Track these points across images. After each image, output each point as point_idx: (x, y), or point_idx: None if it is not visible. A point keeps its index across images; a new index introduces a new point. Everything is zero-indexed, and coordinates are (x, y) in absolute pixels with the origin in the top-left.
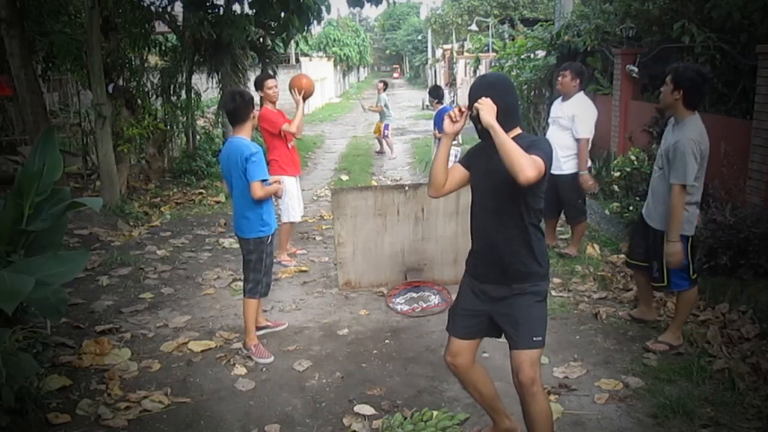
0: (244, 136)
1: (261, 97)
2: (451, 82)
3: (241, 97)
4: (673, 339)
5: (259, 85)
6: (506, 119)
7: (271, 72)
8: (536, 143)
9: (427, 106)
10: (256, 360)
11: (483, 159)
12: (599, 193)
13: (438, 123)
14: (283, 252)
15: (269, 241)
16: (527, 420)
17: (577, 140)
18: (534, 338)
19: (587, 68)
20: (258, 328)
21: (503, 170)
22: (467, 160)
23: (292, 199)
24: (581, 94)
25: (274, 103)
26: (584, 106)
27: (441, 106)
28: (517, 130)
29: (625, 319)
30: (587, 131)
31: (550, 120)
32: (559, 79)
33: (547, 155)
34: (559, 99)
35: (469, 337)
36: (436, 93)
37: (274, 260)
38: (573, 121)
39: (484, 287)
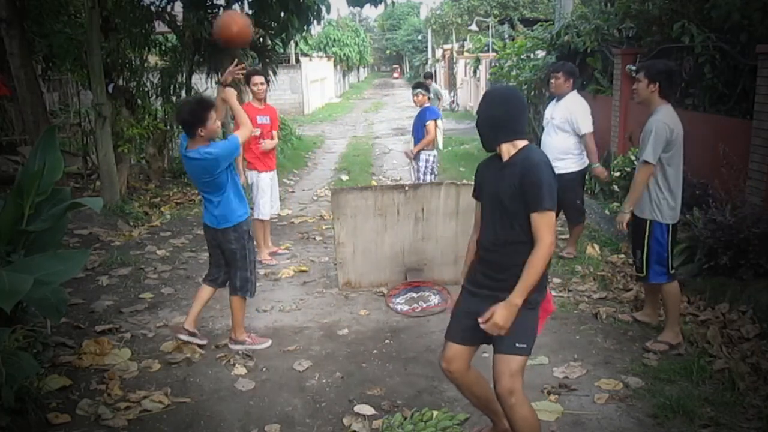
0: (203, 146)
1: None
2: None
3: (184, 115)
4: (672, 338)
5: (246, 79)
6: (498, 131)
7: (270, 72)
8: (534, 178)
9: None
10: (255, 348)
11: (489, 178)
12: (599, 193)
13: (418, 128)
14: (263, 250)
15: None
16: (511, 429)
17: (581, 137)
18: (517, 344)
19: (587, 68)
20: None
21: (505, 190)
22: (478, 185)
23: (263, 197)
24: (574, 92)
25: (260, 99)
26: (578, 104)
27: (427, 104)
28: (519, 143)
29: (627, 321)
30: (588, 126)
31: (544, 122)
32: (552, 80)
33: (550, 186)
34: (554, 100)
35: (464, 342)
36: (428, 90)
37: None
38: (571, 120)
39: (480, 291)
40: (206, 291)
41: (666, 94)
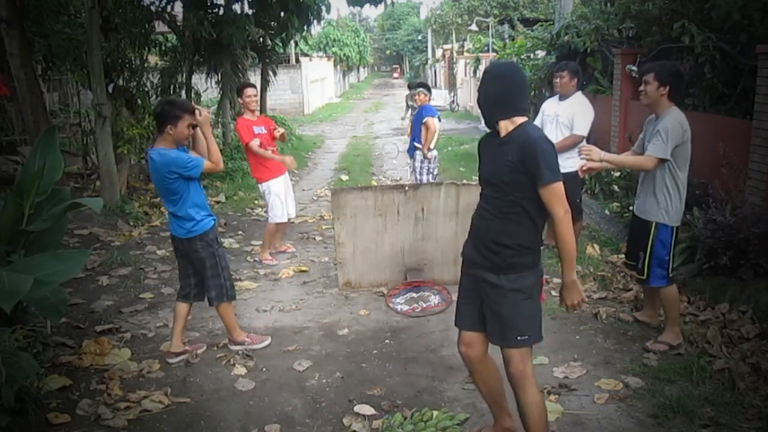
0: (164, 147)
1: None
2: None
3: (166, 106)
4: (672, 338)
5: (239, 92)
6: (495, 107)
7: (270, 72)
8: (535, 154)
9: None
10: (255, 347)
11: (488, 154)
12: (599, 193)
13: (416, 127)
14: (265, 251)
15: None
16: (520, 412)
17: (578, 135)
18: (519, 337)
19: (587, 68)
20: (176, 354)
21: (501, 165)
22: (480, 161)
23: (277, 201)
24: (580, 93)
25: (252, 111)
26: (584, 106)
27: (427, 102)
28: (519, 119)
29: (627, 321)
30: (584, 129)
31: (544, 119)
32: (557, 80)
33: (552, 159)
34: (555, 98)
35: (474, 328)
36: (428, 88)
37: (257, 259)
38: (572, 118)
39: (475, 271)
40: (182, 308)
41: (674, 97)
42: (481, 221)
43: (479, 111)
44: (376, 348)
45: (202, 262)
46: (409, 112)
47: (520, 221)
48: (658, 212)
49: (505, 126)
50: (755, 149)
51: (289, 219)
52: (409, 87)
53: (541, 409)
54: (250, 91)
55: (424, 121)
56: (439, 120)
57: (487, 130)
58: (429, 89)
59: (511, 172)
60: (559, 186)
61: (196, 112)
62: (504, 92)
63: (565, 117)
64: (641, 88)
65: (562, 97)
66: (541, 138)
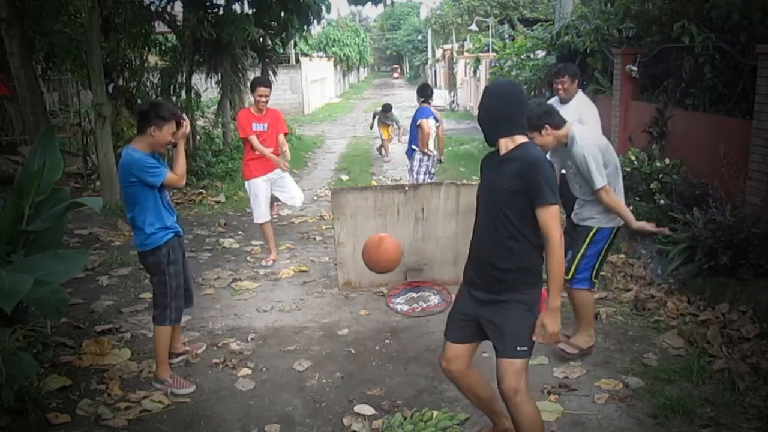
0: (136, 147)
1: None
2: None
3: (156, 106)
4: (585, 342)
5: (252, 87)
6: (496, 125)
7: (270, 72)
8: (535, 174)
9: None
10: (175, 392)
11: (488, 170)
12: None
13: (413, 130)
14: (272, 252)
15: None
16: (515, 427)
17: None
18: (518, 347)
19: (587, 68)
20: (176, 355)
21: (500, 185)
22: (481, 175)
23: (256, 201)
24: (581, 93)
25: (261, 110)
26: (589, 105)
27: (425, 105)
28: (519, 138)
29: (626, 321)
30: (598, 126)
31: None
32: (559, 86)
33: (552, 185)
34: (555, 101)
35: (464, 340)
36: (424, 92)
37: (264, 263)
38: (581, 122)
39: (476, 293)
40: None
41: (557, 124)
42: (481, 246)
43: (480, 128)
44: (376, 348)
45: (152, 278)
46: (375, 122)
47: (519, 245)
48: (599, 219)
49: (506, 144)
50: (755, 149)
51: (287, 218)
52: (383, 110)
53: (536, 422)
54: (262, 90)
55: (418, 123)
56: (436, 120)
57: None
58: (426, 95)
59: (508, 192)
60: (556, 209)
61: (182, 123)
62: (505, 111)
63: (572, 120)
64: (538, 143)
65: (565, 101)
66: (542, 158)
